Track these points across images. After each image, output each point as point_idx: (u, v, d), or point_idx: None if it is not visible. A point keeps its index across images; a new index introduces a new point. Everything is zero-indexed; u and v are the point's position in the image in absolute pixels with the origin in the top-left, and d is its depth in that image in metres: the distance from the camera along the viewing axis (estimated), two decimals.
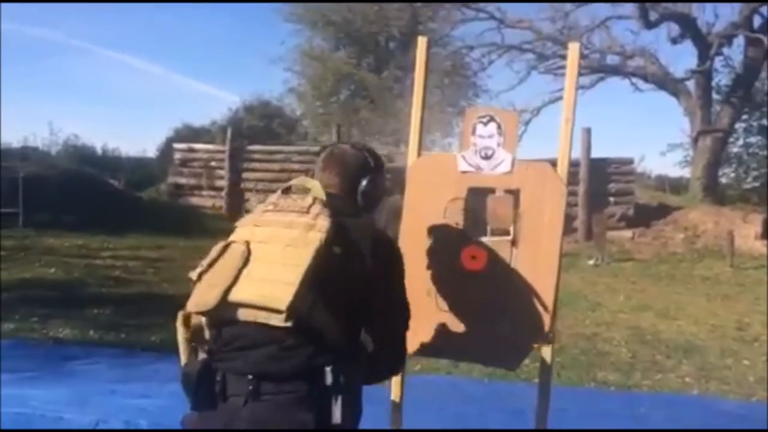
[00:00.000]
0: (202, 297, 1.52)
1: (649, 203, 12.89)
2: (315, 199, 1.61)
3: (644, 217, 12.29)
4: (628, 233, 11.91)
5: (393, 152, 14.13)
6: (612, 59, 17.26)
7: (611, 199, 12.31)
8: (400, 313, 1.69)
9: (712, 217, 11.96)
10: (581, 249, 11.44)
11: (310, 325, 1.49)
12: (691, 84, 15.65)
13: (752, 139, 17.98)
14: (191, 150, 14.18)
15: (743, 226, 11.49)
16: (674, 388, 4.84)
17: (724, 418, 4.09)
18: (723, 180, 17.46)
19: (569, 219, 12.33)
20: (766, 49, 13.83)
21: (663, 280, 9.79)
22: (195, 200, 13.63)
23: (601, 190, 12.23)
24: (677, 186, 16.96)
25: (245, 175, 13.50)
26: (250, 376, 1.48)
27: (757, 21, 14.77)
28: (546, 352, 2.06)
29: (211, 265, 1.56)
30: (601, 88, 17.40)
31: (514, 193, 2.09)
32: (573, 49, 2.20)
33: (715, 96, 16.14)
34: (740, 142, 18.14)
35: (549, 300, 2.02)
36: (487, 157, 2.11)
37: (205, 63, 37.92)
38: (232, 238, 1.60)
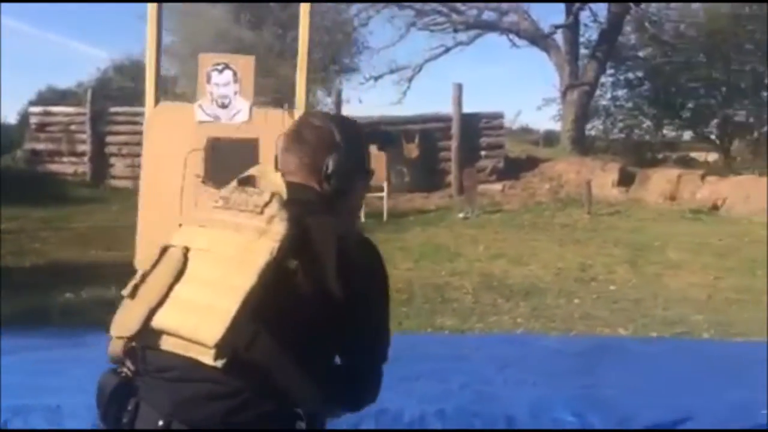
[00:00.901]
0: (124, 319, 1.26)
1: (519, 156, 13.40)
2: (273, 196, 1.28)
3: (514, 169, 12.77)
4: (498, 186, 12.35)
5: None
6: (489, 15, 17.59)
7: (482, 153, 12.68)
8: (370, 346, 1.36)
9: (575, 168, 12.59)
10: (454, 203, 11.79)
11: (251, 364, 1.21)
12: (560, 39, 16.24)
13: (619, 93, 18.96)
14: (48, 113, 13.39)
15: (602, 175, 12.20)
16: (505, 328, 5.12)
17: (541, 353, 4.34)
18: (593, 132, 18.39)
19: (443, 174, 12.66)
20: (628, 4, 14.56)
21: (525, 228, 10.26)
22: (55, 167, 12.92)
23: (473, 144, 12.57)
24: (552, 139, 17.68)
25: (109, 138, 12.91)
26: (161, 422, 1.22)
27: None
28: None
29: (145, 276, 1.28)
30: (481, 44, 17.78)
31: (253, 142, 2.05)
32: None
33: (583, 51, 16.88)
34: (608, 95, 19.06)
35: None
36: (224, 106, 2.07)
37: (80, 21, 35.49)
38: (172, 240, 1.32)
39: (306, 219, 1.28)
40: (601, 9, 16.24)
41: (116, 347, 1.28)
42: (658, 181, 11.99)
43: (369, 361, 1.36)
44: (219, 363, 1.16)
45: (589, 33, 17.08)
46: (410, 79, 17.49)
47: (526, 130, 18.62)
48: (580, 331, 4.98)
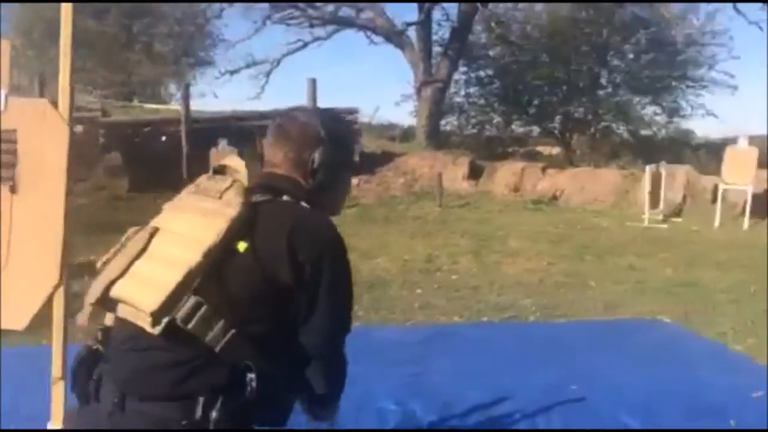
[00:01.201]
0: (93, 287, 1.35)
1: (374, 151, 13.56)
2: (234, 182, 1.39)
3: (370, 164, 12.91)
4: (354, 181, 12.41)
5: (111, 105, 13.19)
6: (345, 11, 17.67)
7: None
8: (323, 328, 1.39)
9: (428, 162, 12.95)
10: None
11: (189, 340, 1.26)
12: (414, 37, 16.63)
13: (471, 90, 19.75)
14: None
15: (453, 169, 12.65)
16: None
17: (378, 344, 4.36)
18: (448, 128, 19.02)
19: None
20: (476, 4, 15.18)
21: (379, 222, 10.41)
22: None
23: None
24: (409, 135, 18.07)
25: None
26: (116, 398, 1.29)
27: None
28: (57, 305, 1.91)
29: (109, 259, 1.38)
30: (340, 39, 17.80)
31: (10, 133, 1.86)
32: None
33: (437, 49, 17.41)
34: (462, 92, 19.80)
35: (57, 248, 1.87)
36: None
37: None
38: (151, 222, 1.43)
39: (268, 206, 1.38)
40: (453, 8, 16.83)
41: (84, 314, 1.37)
42: (504, 174, 12.62)
43: (324, 344, 1.40)
44: (156, 330, 1.24)
45: (443, 31, 17.66)
46: (268, 74, 17.24)
47: (388, 126, 18.90)
48: (418, 321, 5.09)
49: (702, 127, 24.00)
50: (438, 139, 15.99)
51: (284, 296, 1.35)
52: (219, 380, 1.28)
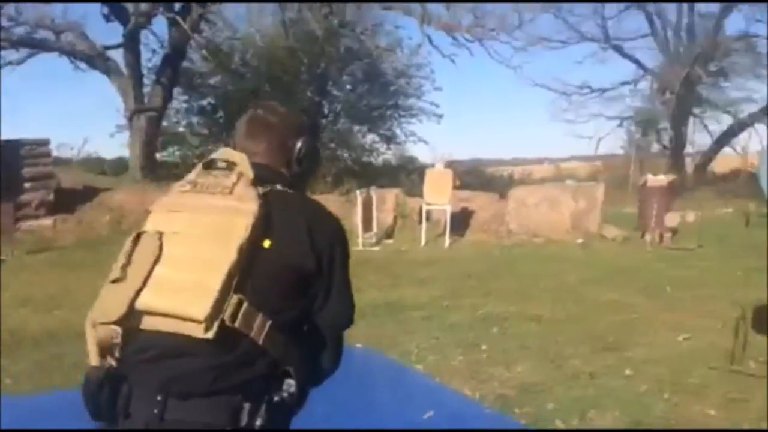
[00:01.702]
0: (108, 304, 1.31)
1: (74, 187, 12.11)
2: (240, 176, 1.38)
3: (69, 201, 11.47)
4: (48, 221, 10.92)
5: None
6: (42, 33, 15.76)
7: (27, 185, 11.06)
8: (341, 308, 1.48)
9: (138, 197, 11.86)
10: None
11: (237, 336, 1.28)
12: (123, 63, 15.40)
13: (194, 119, 18.98)
14: None
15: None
16: None
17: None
18: (170, 159, 17.97)
19: None
20: (188, 31, 14.50)
21: (76, 266, 9.16)
22: None
23: (15, 175, 10.87)
24: (120, 167, 16.65)
25: None
26: (159, 396, 1.26)
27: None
28: None
29: (125, 265, 1.33)
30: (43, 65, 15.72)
31: None
32: None
33: (152, 76, 16.33)
34: (184, 121, 18.93)
35: None
36: None
37: None
38: (144, 227, 1.39)
39: (276, 199, 1.40)
40: (164, 32, 15.95)
41: (103, 335, 1.32)
42: None
43: (340, 316, 1.49)
44: (210, 334, 1.25)
45: (157, 58, 16.65)
46: None
47: (97, 160, 17.25)
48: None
49: (419, 153, 26.24)
50: (155, 172, 14.91)
51: (307, 284, 1.40)
52: (261, 371, 1.31)
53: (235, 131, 1.58)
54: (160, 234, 1.36)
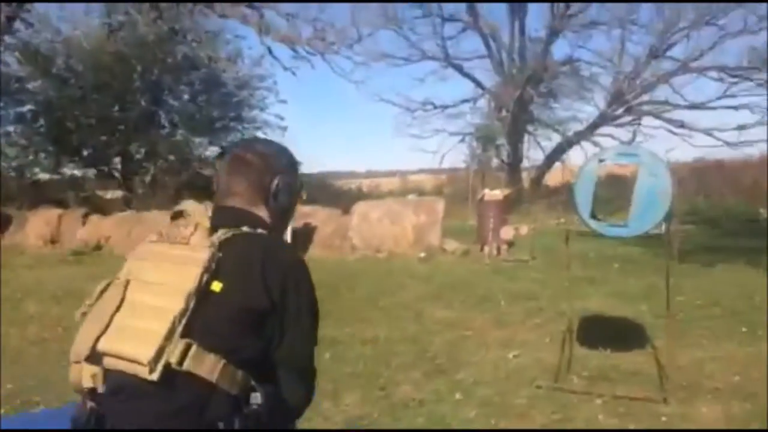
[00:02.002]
0: (78, 345, 1.46)
1: None
2: (197, 226, 1.51)
3: None
4: None
5: None
6: None
7: None
8: (298, 344, 1.51)
9: None
10: None
11: (187, 377, 1.36)
12: None
13: (11, 128, 17.09)
14: None
15: None
16: None
17: None
18: None
19: None
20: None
21: None
22: None
23: None
24: None
25: None
26: None
27: None
28: None
29: (92, 305, 1.48)
30: None
31: None
32: None
33: None
34: (0, 130, 16.97)
35: None
36: None
37: None
38: (118, 274, 1.52)
39: (234, 240, 1.48)
40: None
41: (74, 374, 1.47)
42: (37, 223, 10.87)
43: (295, 359, 1.52)
44: (155, 376, 1.34)
45: None
46: None
47: None
48: None
49: None
50: None
51: (261, 321, 1.45)
52: (223, 408, 1.38)
53: (218, 171, 1.65)
54: (127, 282, 1.48)
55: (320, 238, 10.49)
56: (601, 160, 4.08)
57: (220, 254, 1.44)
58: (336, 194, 20.00)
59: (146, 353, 1.34)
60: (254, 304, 1.45)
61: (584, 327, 5.55)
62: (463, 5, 21.22)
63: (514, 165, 22.81)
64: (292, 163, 1.70)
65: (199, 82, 18.38)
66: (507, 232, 10.52)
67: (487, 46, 22.26)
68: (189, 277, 1.40)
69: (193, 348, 1.37)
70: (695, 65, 20.76)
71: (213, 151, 19.45)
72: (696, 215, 16.63)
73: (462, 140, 23.51)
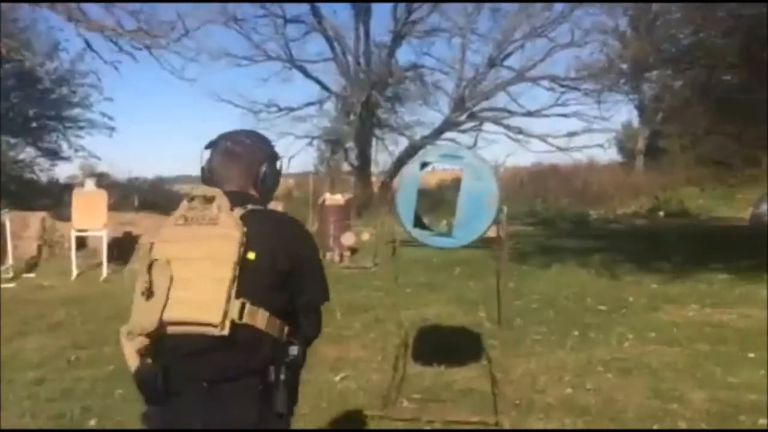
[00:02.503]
0: (142, 319, 1.70)
1: None
2: (220, 207, 1.76)
3: None
4: None
5: None
6: None
7: None
8: (315, 289, 1.89)
9: None
10: None
11: (246, 328, 1.69)
12: None
13: None
14: None
15: None
16: None
17: None
18: None
19: None
20: None
21: None
22: None
23: None
24: None
25: None
26: (205, 383, 1.70)
27: None
28: None
29: (149, 287, 1.70)
30: None
31: None
32: None
33: None
34: None
35: None
36: None
37: None
38: (153, 256, 1.74)
39: (250, 217, 1.78)
40: None
41: (134, 345, 1.72)
42: None
43: (318, 294, 1.92)
44: (225, 332, 1.67)
45: None
46: None
47: None
48: None
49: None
50: None
51: (286, 279, 1.80)
52: (272, 352, 1.76)
53: (210, 161, 1.94)
54: (169, 261, 1.72)
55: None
56: (423, 165, 3.68)
57: (245, 229, 1.73)
58: (172, 199, 18.66)
59: (216, 315, 1.66)
60: (281, 266, 1.78)
61: (420, 340, 5.19)
62: (306, 6, 20.66)
63: (363, 169, 22.64)
64: (273, 152, 2.01)
65: (13, 78, 16.29)
66: (348, 239, 10.09)
67: (332, 49, 21.91)
68: (230, 251, 1.70)
69: (247, 306, 1.70)
70: (529, 75, 21.76)
71: (29, 153, 17.42)
72: (534, 217, 17.36)
73: (310, 143, 22.98)
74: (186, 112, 52.15)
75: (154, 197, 17.70)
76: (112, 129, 17.50)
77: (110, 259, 9.10)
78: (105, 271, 8.91)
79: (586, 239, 12.41)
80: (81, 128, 17.44)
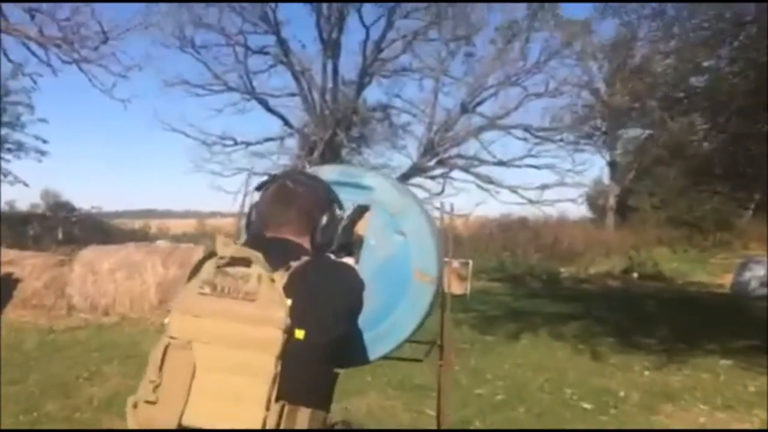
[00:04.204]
0: (158, 420, 1.30)
1: None
2: (261, 277, 1.33)
3: None
4: None
5: None
6: None
7: None
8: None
9: None
10: None
11: None
12: None
13: None
14: None
15: None
16: None
17: None
18: None
19: None
20: None
21: None
22: None
23: None
24: None
25: None
26: None
27: None
28: None
29: (158, 378, 1.31)
30: None
31: None
32: None
33: None
34: None
35: None
36: None
37: None
38: (170, 332, 1.35)
39: (300, 276, 1.36)
40: None
41: None
42: None
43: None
44: None
45: None
46: None
47: None
48: None
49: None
50: None
51: (340, 345, 1.42)
52: None
53: (258, 204, 1.60)
54: (190, 344, 1.33)
55: (26, 294, 7.76)
56: (262, 185, 2.00)
57: (290, 302, 1.33)
58: (108, 234, 16.95)
59: (249, 425, 1.28)
60: (336, 332, 1.40)
61: None
62: (271, 38, 19.50)
63: None
64: (336, 199, 1.65)
65: None
66: None
67: (298, 83, 20.68)
68: (271, 339, 1.30)
69: (286, 408, 1.31)
70: (502, 123, 20.84)
71: None
72: (503, 272, 16.20)
73: None
74: (136, 141, 50.03)
75: (85, 233, 16.01)
76: (43, 153, 15.86)
77: None
78: None
79: (558, 302, 11.11)
80: (9, 151, 15.73)
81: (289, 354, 1.31)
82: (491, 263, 16.92)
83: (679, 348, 7.05)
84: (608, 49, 15.97)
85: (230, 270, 1.36)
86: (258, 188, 1.63)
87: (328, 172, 1.92)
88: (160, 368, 1.32)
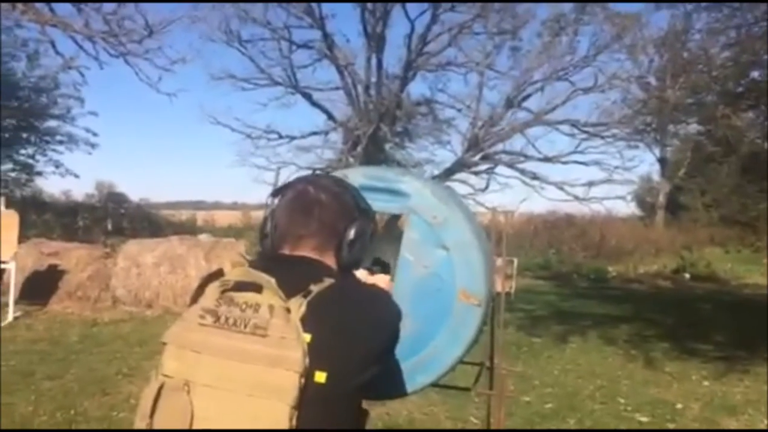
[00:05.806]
0: None
1: None
2: (273, 308, 1.09)
3: None
4: None
5: None
6: None
7: None
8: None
9: None
10: None
11: None
12: None
13: None
14: None
15: None
16: None
17: None
18: None
19: None
20: None
21: None
22: None
23: None
24: None
25: None
26: None
27: None
28: None
29: (149, 425, 1.08)
30: None
31: None
32: None
33: None
34: None
35: None
36: None
37: None
38: (165, 370, 1.10)
39: (322, 305, 1.12)
40: None
41: None
42: None
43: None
44: None
45: None
46: None
47: None
48: None
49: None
50: None
51: (369, 386, 1.17)
52: None
53: (274, 213, 1.32)
54: (186, 385, 1.08)
55: (70, 286, 7.83)
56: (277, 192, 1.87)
57: (309, 339, 1.08)
58: (159, 225, 17.19)
59: None
60: (362, 378, 1.13)
61: None
62: (316, 32, 19.44)
63: None
64: (368, 209, 1.36)
65: None
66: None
67: (342, 77, 20.60)
68: (285, 384, 1.04)
69: None
70: (548, 118, 20.36)
71: (10, 167, 15.99)
72: (548, 269, 15.88)
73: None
74: (183, 133, 50.74)
75: (135, 223, 16.24)
76: (94, 146, 16.13)
77: (24, 296, 7.50)
78: (12, 312, 7.22)
79: (607, 302, 10.75)
80: (60, 143, 16.05)
81: (308, 402, 1.06)
82: (537, 260, 16.58)
83: (739, 356, 6.67)
84: (659, 42, 15.45)
85: (237, 296, 1.13)
86: (274, 194, 1.37)
87: (357, 176, 1.71)
88: (151, 414, 1.09)
